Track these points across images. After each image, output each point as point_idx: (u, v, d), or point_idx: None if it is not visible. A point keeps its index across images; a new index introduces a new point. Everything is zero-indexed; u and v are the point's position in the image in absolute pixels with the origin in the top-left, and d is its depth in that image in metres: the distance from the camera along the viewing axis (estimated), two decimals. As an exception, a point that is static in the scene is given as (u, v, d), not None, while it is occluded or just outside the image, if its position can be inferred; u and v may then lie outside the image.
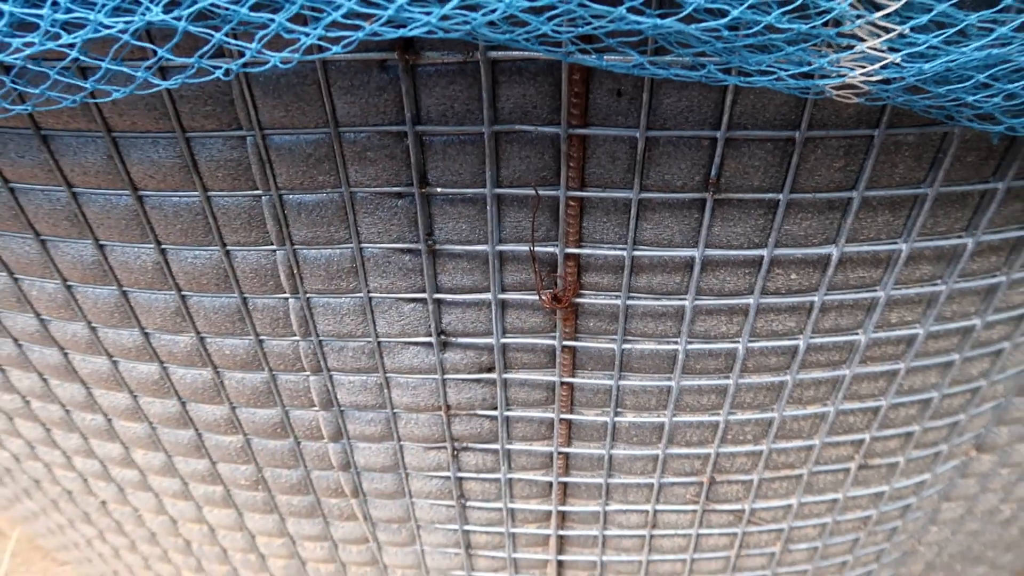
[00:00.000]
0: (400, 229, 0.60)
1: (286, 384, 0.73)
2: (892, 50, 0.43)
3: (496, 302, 0.64)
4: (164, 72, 0.50)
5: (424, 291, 0.64)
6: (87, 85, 0.43)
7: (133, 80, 0.43)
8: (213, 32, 0.40)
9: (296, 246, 0.61)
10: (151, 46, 0.41)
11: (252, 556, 1.00)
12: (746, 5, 0.40)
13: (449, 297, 0.64)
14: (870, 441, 0.79)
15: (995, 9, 0.41)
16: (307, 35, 0.40)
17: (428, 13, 0.38)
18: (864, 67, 0.44)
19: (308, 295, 0.65)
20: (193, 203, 0.58)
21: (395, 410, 0.75)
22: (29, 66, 0.43)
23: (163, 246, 0.62)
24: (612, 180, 0.56)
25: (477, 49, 0.50)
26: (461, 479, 0.83)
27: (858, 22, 0.42)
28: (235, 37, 0.40)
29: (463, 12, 0.39)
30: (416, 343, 0.69)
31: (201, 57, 0.41)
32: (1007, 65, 0.46)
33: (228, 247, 0.61)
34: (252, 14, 0.38)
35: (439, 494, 0.85)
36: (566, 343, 0.67)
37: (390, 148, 0.55)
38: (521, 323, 0.67)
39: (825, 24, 0.42)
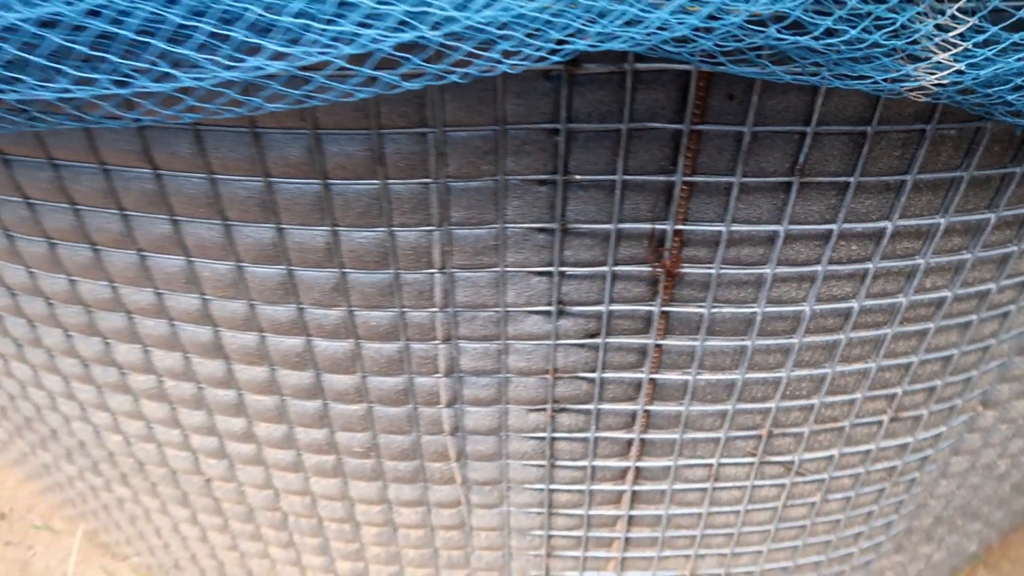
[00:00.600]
0: (539, 211, 0.73)
1: (417, 353, 0.86)
2: (956, 60, 0.58)
3: (610, 274, 0.78)
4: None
5: (551, 265, 0.77)
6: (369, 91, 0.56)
7: (393, 86, 0.56)
8: (459, 44, 0.53)
9: (451, 226, 0.74)
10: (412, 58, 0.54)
11: (347, 525, 1.11)
12: (859, 28, 0.55)
13: (571, 270, 0.78)
14: (901, 395, 0.94)
15: (1029, 30, 0.57)
16: (536, 49, 0.54)
17: (633, 34, 0.52)
18: (935, 73, 0.59)
19: (453, 270, 0.77)
20: (372, 190, 0.71)
21: (508, 374, 0.88)
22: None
23: (337, 228, 0.74)
24: (717, 168, 0.71)
25: (626, 61, 0.64)
26: (554, 439, 0.95)
27: (935, 39, 0.57)
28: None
29: (657, 32, 0.53)
30: (537, 312, 0.81)
31: (451, 64, 0.54)
32: (1036, 72, 0.61)
33: (393, 228, 0.74)
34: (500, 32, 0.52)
35: (532, 455, 0.97)
36: (664, 309, 0.81)
37: (543, 142, 0.68)
38: (626, 293, 0.80)
39: (911, 41, 0.57)
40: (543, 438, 0.95)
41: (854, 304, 0.82)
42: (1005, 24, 0.55)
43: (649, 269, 0.78)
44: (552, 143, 0.68)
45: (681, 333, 0.84)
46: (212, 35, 0.51)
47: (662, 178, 0.71)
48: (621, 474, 1.00)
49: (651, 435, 0.95)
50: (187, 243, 0.77)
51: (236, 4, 0.52)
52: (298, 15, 0.52)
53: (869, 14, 0.56)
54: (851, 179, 0.71)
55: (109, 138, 0.69)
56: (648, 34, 0.54)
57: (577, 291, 0.80)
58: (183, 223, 0.75)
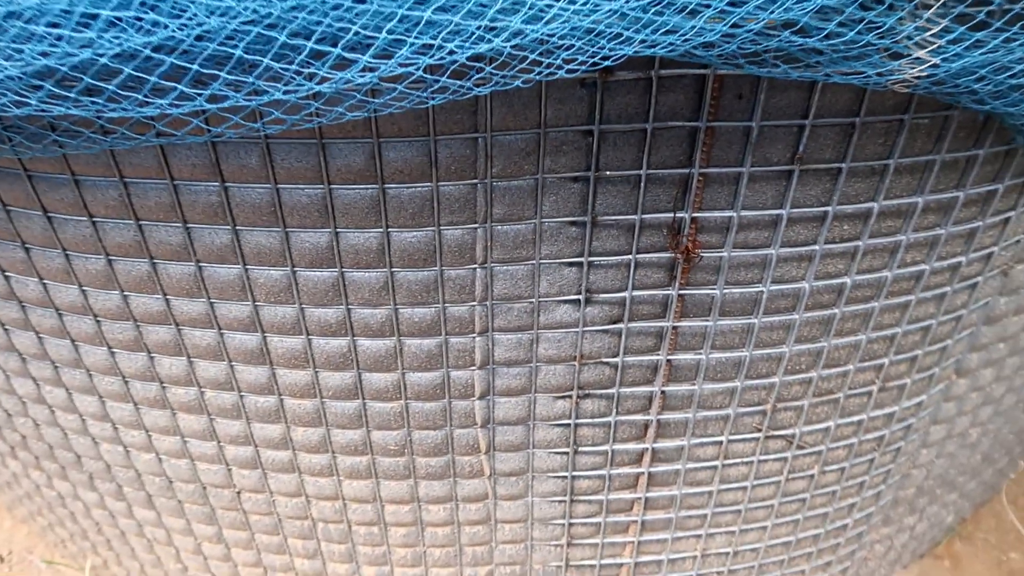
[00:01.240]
0: (572, 206, 0.82)
1: (455, 347, 0.92)
2: (932, 56, 0.70)
3: (633, 261, 0.87)
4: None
5: (582, 255, 0.86)
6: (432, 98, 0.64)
7: (458, 91, 0.64)
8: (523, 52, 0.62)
9: (494, 223, 0.82)
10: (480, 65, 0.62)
11: (376, 528, 1.16)
12: (855, 31, 0.66)
13: (599, 259, 0.86)
14: (887, 365, 1.05)
15: (990, 30, 0.68)
16: (590, 55, 0.63)
17: (672, 44, 0.62)
18: (915, 67, 0.70)
19: (493, 264, 0.85)
20: (425, 192, 0.78)
21: (538, 363, 0.95)
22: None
23: (390, 229, 0.81)
24: (729, 160, 0.80)
25: (652, 68, 0.74)
26: (578, 425, 1.03)
27: (915, 39, 0.68)
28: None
29: (691, 39, 0.63)
30: (567, 301, 0.90)
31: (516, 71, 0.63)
32: (995, 65, 0.73)
33: (441, 227, 0.81)
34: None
35: (557, 442, 1.04)
36: (681, 292, 0.90)
37: (578, 143, 0.77)
38: (647, 279, 0.89)
39: (896, 41, 0.68)
40: (567, 424, 1.02)
41: (847, 280, 0.92)
42: (970, 25, 0.67)
43: (669, 255, 0.87)
44: (586, 143, 0.77)
45: (695, 315, 0.93)
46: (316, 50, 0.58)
47: (681, 171, 0.80)
48: (638, 457, 1.08)
49: (667, 415, 1.03)
50: (245, 251, 0.83)
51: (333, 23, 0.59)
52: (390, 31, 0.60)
53: (863, 19, 0.67)
54: (843, 165, 0.81)
55: (182, 154, 0.75)
56: (684, 39, 0.63)
57: (603, 279, 0.88)
58: (243, 232, 0.81)
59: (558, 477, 1.09)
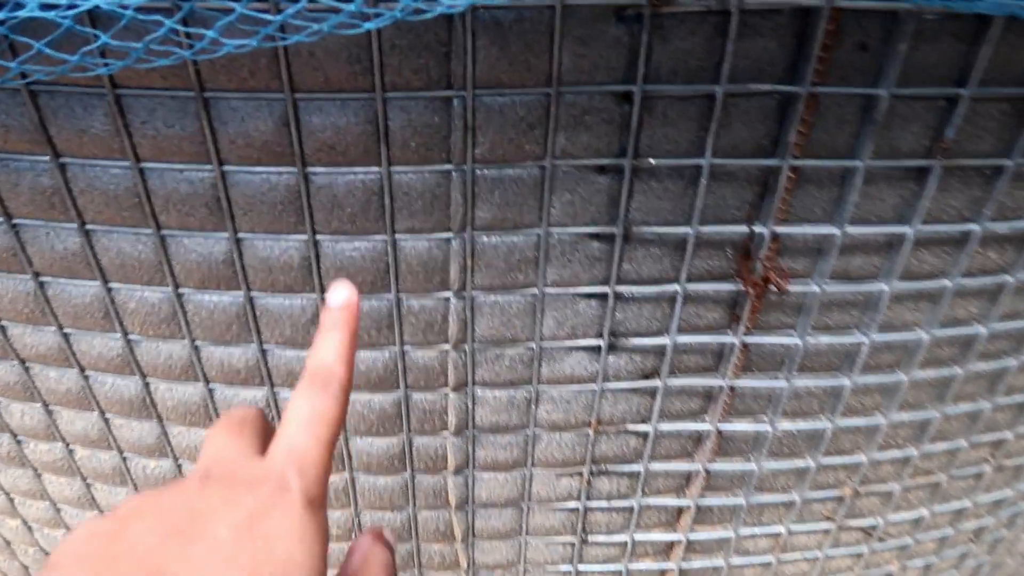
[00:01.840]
0: (595, 210, 0.53)
1: (420, 404, 0.64)
2: None
3: (681, 293, 0.58)
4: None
5: (606, 283, 0.57)
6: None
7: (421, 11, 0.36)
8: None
9: (477, 231, 0.53)
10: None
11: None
12: None
13: (630, 289, 0.58)
14: (1013, 440, 0.76)
15: None
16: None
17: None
18: None
19: (475, 292, 0.57)
20: (371, 180, 0.50)
21: (537, 429, 0.67)
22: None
23: (317, 237, 0.53)
24: (836, 147, 0.52)
25: (733, -7, 0.45)
26: (588, 509, 0.75)
27: None
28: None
29: None
30: (582, 347, 0.61)
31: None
32: None
33: (397, 234, 0.53)
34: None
35: (560, 529, 0.76)
36: (747, 339, 0.62)
37: (609, 111, 0.49)
38: (698, 319, 0.61)
39: None
40: (575, 508, 0.74)
41: (980, 329, 0.63)
42: None
43: (733, 286, 0.58)
44: (621, 113, 0.49)
45: (761, 370, 0.65)
46: None
47: (763, 162, 0.52)
48: (666, 548, 0.80)
49: (710, 499, 0.75)
50: (103, 262, 0.55)
51: None
52: None
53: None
54: (1007, 162, 0.53)
55: None
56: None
57: (635, 317, 0.60)
58: (98, 234, 0.53)
59: (560, 574, 0.80)
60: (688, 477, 0.74)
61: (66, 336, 0.61)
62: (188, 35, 0.43)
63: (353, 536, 0.75)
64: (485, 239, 0.54)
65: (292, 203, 0.51)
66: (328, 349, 0.40)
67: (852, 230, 0.56)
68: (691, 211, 0.54)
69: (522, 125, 0.48)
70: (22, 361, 0.64)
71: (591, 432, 0.67)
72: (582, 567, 0.81)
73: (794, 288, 0.59)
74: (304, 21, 0.38)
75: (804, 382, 0.66)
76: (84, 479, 0.74)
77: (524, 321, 0.59)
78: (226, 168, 0.49)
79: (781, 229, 0.55)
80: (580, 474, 0.71)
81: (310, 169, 0.50)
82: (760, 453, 0.71)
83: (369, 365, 0.61)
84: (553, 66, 0.46)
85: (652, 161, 0.51)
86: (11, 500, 0.79)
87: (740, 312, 0.61)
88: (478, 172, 0.50)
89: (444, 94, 0.47)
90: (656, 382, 0.64)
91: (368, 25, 0.36)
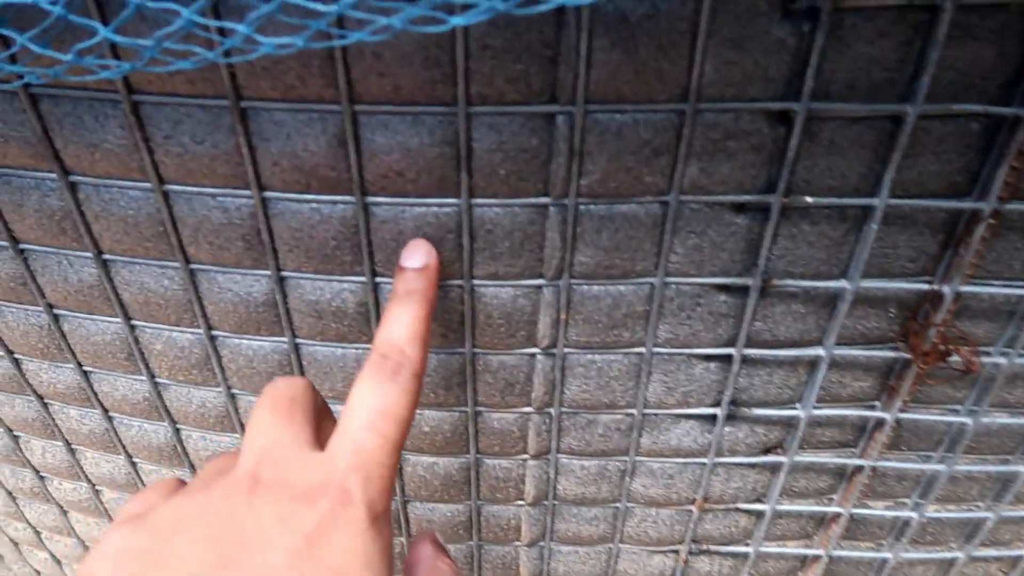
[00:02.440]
0: (727, 257, 0.41)
1: (493, 471, 0.53)
2: None
3: (826, 359, 0.46)
4: None
5: (732, 344, 0.45)
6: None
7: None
8: None
9: (576, 279, 0.42)
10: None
11: None
12: None
13: (761, 353, 0.46)
14: None
15: None
16: None
17: None
18: None
19: (568, 349, 0.45)
20: (447, 215, 0.39)
21: (629, 504, 0.55)
22: None
23: (377, 280, 0.42)
24: (1057, 186, 0.39)
25: (949, -17, 0.32)
26: (682, 590, 0.63)
27: None
28: None
29: None
30: (693, 415, 0.49)
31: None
32: None
33: (476, 280, 0.42)
34: None
35: (646, 609, 0.65)
36: (902, 414, 0.49)
37: (759, 135, 0.37)
38: (840, 388, 0.48)
39: None
40: (666, 588, 0.62)
41: None
42: None
43: (892, 352, 0.46)
44: (774, 137, 0.36)
45: (912, 448, 0.52)
46: None
47: (959, 204, 0.39)
48: (770, 634, 0.67)
49: (829, 587, 0.62)
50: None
51: None
52: None
53: None
54: None
55: None
56: None
57: (763, 385, 0.48)
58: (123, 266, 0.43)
59: (640, 652, 0.69)
60: (804, 560, 0.61)
61: (86, 375, 0.52)
62: (220, 30, 0.32)
63: None
64: (585, 288, 0.43)
65: (348, 239, 0.41)
66: (399, 326, 0.33)
67: (1064, 292, 0.42)
68: (850, 261, 0.42)
69: (645, 151, 0.37)
70: (40, 397, 0.55)
71: (695, 510, 0.55)
72: (668, 648, 0.69)
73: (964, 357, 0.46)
74: (369, 13, 0.27)
75: (967, 466, 0.52)
76: (112, 521, 0.66)
77: (625, 385, 0.48)
78: (268, 195, 0.39)
79: (968, 288, 0.42)
80: (676, 552, 0.60)
81: (371, 199, 0.39)
82: (897, 540, 0.58)
83: (434, 426, 0.51)
84: (692, 76, 0.34)
85: (809, 199, 0.39)
86: (38, 534, 0.71)
87: (896, 383, 0.48)
88: (582, 208, 0.39)
89: (546, 109, 0.35)
90: (780, 457, 0.52)
91: (456, 20, 0.25)
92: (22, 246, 0.45)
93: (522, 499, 0.56)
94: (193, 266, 0.44)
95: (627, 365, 0.47)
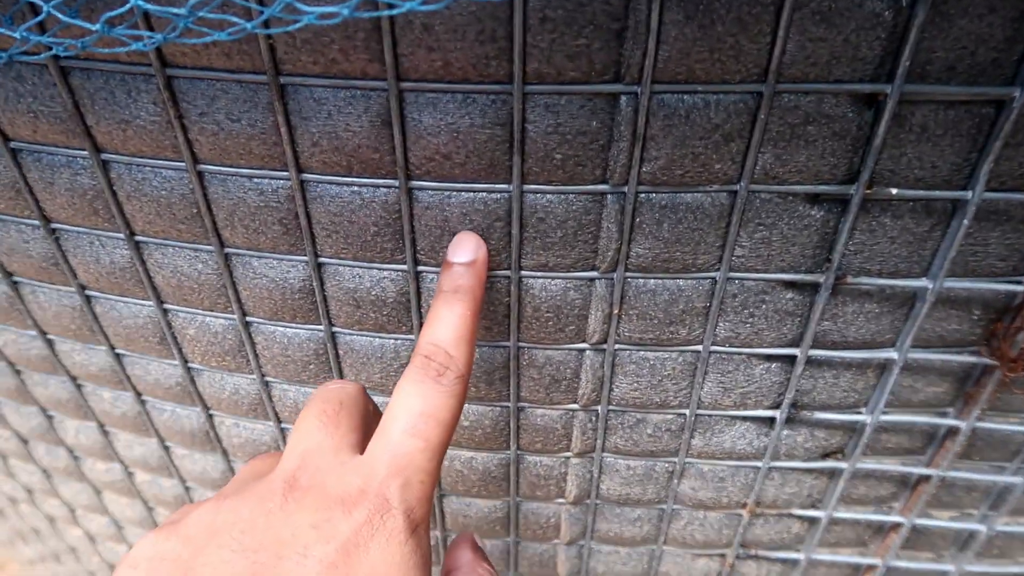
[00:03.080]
0: (798, 252, 0.38)
1: (534, 468, 0.51)
2: None
3: (900, 361, 0.42)
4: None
5: (795, 344, 0.42)
6: None
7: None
8: None
9: (631, 272, 0.39)
10: None
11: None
12: None
13: (827, 354, 0.42)
14: None
15: None
16: None
17: None
18: None
19: (619, 345, 0.42)
20: (496, 201, 0.36)
21: (676, 507, 0.53)
22: None
23: (419, 268, 0.40)
24: None
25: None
26: (727, 594, 0.60)
27: None
28: None
29: None
30: (750, 417, 0.46)
31: None
32: None
33: (525, 271, 0.39)
34: None
35: (688, 611, 0.62)
36: (979, 423, 0.45)
37: (843, 120, 0.33)
38: (912, 393, 0.45)
39: None
40: (710, 591, 0.60)
41: None
42: None
43: (972, 359, 0.42)
44: (859, 123, 0.33)
45: (984, 458, 0.49)
46: None
47: None
48: (817, 641, 0.64)
49: (883, 597, 0.59)
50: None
51: None
52: None
53: None
54: None
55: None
56: None
57: (828, 388, 0.44)
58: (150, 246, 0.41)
59: (679, 653, 0.66)
60: (858, 569, 0.58)
61: (118, 357, 0.50)
62: (258, -2, 0.30)
63: None
64: (640, 282, 0.40)
65: (389, 225, 0.38)
66: (445, 326, 0.32)
67: None
68: (933, 259, 0.38)
69: (715, 136, 0.33)
70: (73, 379, 0.54)
71: (746, 514, 0.53)
72: (708, 650, 0.67)
73: (1064, 368, 0.42)
74: (421, -19, 0.24)
75: (1044, 480, 0.49)
76: (145, 503, 0.65)
77: (679, 384, 0.45)
78: (306, 177, 0.37)
79: (1066, 290, 0.39)
80: (723, 556, 0.57)
81: (415, 183, 0.36)
82: (961, 552, 0.55)
83: (474, 421, 0.48)
84: (773, 54, 0.31)
85: (894, 191, 0.36)
86: (72, 511, 0.71)
87: (975, 390, 0.44)
88: (643, 196, 0.36)
89: (610, 89, 0.32)
90: (841, 464, 0.49)
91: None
92: (54, 225, 0.43)
93: (563, 497, 0.53)
94: (228, 250, 0.41)
95: (682, 364, 0.44)
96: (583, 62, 0.32)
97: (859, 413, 0.46)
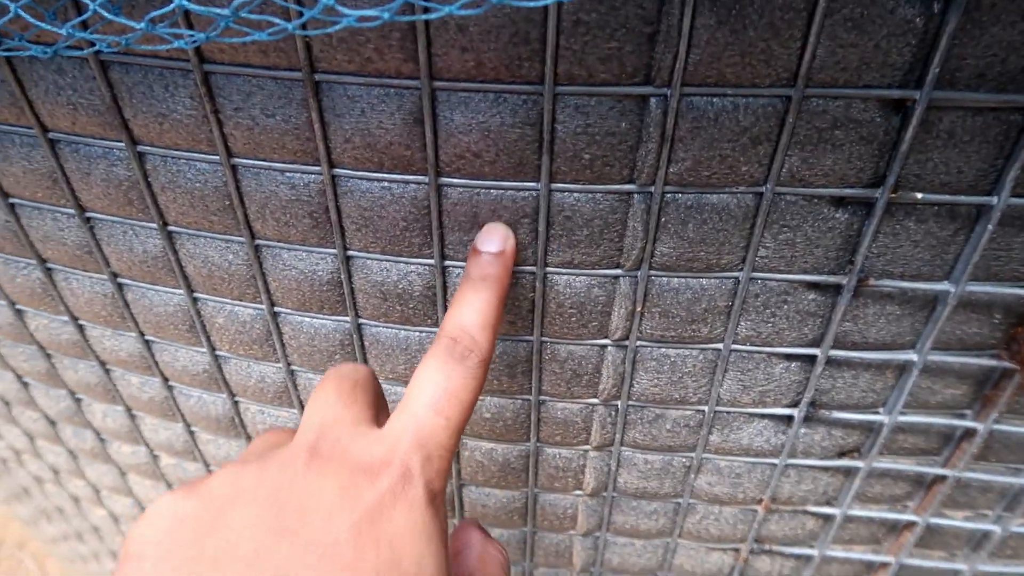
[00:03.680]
0: (821, 254, 0.38)
1: (553, 460, 0.52)
2: None
3: (919, 364, 0.43)
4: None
5: (817, 344, 0.42)
6: None
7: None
8: None
9: (655, 271, 0.39)
10: None
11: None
12: None
13: (846, 355, 0.43)
14: None
15: None
16: None
17: None
18: None
19: (641, 342, 0.43)
20: (524, 200, 0.37)
21: (691, 501, 0.53)
22: None
23: (446, 263, 0.41)
24: None
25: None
26: (739, 587, 0.61)
27: None
28: None
29: None
30: (768, 415, 0.47)
31: None
32: None
33: (550, 268, 0.40)
34: None
35: (700, 603, 0.63)
36: (997, 426, 0.46)
37: (871, 125, 0.34)
38: (930, 395, 0.45)
39: None
40: (723, 584, 0.61)
41: None
42: None
43: (991, 362, 0.42)
44: (887, 128, 0.33)
45: (1000, 460, 0.49)
46: None
47: None
48: (827, 636, 0.65)
49: (894, 594, 0.60)
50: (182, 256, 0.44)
51: None
52: None
53: None
54: None
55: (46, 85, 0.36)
56: None
57: (846, 388, 0.45)
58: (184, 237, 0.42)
59: (691, 644, 0.67)
60: (871, 566, 0.59)
61: (148, 344, 0.51)
62: (299, 0, 0.31)
63: None
64: (664, 280, 0.40)
65: (418, 220, 0.39)
66: (471, 311, 0.33)
67: None
68: (955, 263, 0.39)
69: (743, 139, 0.34)
70: (102, 363, 0.55)
71: (761, 510, 0.53)
72: (719, 642, 0.68)
73: (1085, 373, 0.42)
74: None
75: (1061, 483, 0.49)
76: (169, 485, 0.66)
77: (699, 381, 0.45)
78: (338, 172, 0.37)
79: (1088, 297, 0.39)
80: (736, 550, 0.58)
81: (445, 180, 0.37)
82: (974, 552, 0.55)
83: (496, 413, 0.49)
84: (804, 59, 0.31)
85: (919, 195, 0.36)
86: (97, 492, 0.73)
87: (993, 393, 0.45)
88: (669, 196, 0.36)
89: (640, 91, 0.33)
90: (857, 462, 0.49)
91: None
92: (88, 214, 0.44)
93: (580, 489, 0.54)
94: (258, 242, 0.42)
95: (702, 361, 0.44)
96: (614, 64, 0.32)
97: (877, 413, 0.47)
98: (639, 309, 0.42)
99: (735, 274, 0.40)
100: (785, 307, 0.41)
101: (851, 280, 0.40)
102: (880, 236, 0.38)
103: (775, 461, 0.50)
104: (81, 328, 0.53)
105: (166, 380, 0.54)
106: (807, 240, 0.38)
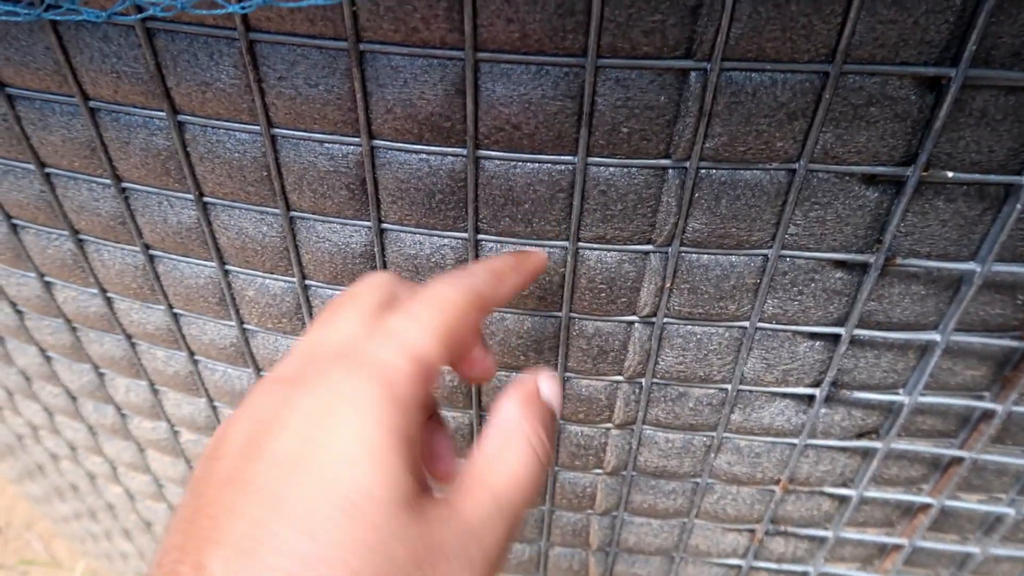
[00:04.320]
0: (850, 232, 0.39)
1: (574, 438, 0.52)
2: None
3: (942, 344, 0.43)
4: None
5: (842, 323, 0.43)
6: None
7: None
8: None
9: (686, 247, 0.40)
10: None
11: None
12: None
13: (872, 334, 0.43)
14: None
15: None
16: None
17: None
18: None
19: (668, 319, 0.44)
20: (560, 173, 0.37)
21: (710, 480, 0.54)
22: None
23: (480, 236, 0.41)
24: None
25: None
26: (752, 568, 0.61)
27: None
28: None
29: None
30: (790, 394, 0.47)
31: None
32: None
33: (583, 242, 0.40)
34: None
35: (713, 585, 0.64)
36: (1015, 408, 0.46)
37: (905, 103, 0.34)
38: (951, 376, 0.46)
39: None
40: (736, 565, 0.61)
41: None
42: None
43: (1014, 343, 0.43)
44: (921, 106, 0.34)
45: (1017, 443, 0.50)
46: None
47: None
48: (838, 620, 0.66)
49: (910, 573, 0.60)
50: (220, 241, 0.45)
51: None
52: None
53: None
54: None
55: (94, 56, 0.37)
56: None
57: (869, 367, 0.45)
58: (221, 208, 0.43)
59: (702, 627, 0.68)
60: (884, 548, 0.59)
61: (176, 317, 0.52)
62: (348, -34, 0.31)
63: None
64: (694, 257, 0.41)
65: (454, 193, 0.39)
66: (501, 263, 0.35)
67: None
68: (982, 243, 0.39)
69: (779, 114, 0.35)
70: (128, 337, 0.56)
71: (778, 490, 0.54)
72: (730, 625, 0.68)
73: (1105, 354, 0.43)
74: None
75: (1076, 466, 0.50)
76: (188, 461, 0.67)
77: (724, 359, 0.46)
78: (377, 143, 0.38)
79: (1111, 278, 0.39)
80: (752, 531, 0.58)
81: (483, 152, 0.37)
82: (987, 535, 0.56)
83: (521, 389, 0.50)
84: (843, 35, 0.32)
85: (950, 174, 0.37)
86: (114, 469, 0.73)
87: (1014, 374, 0.45)
88: (703, 172, 0.37)
89: (681, 65, 0.33)
90: (875, 443, 0.50)
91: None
92: (124, 184, 0.45)
93: (601, 468, 0.55)
94: (293, 213, 0.43)
95: (728, 339, 0.45)
96: (657, 37, 0.33)
97: (897, 394, 0.47)
98: (668, 285, 0.42)
99: (764, 251, 0.41)
100: (812, 285, 0.42)
101: (879, 259, 0.40)
102: (909, 215, 0.39)
103: (795, 441, 0.51)
104: (109, 300, 0.53)
105: (192, 354, 0.55)
106: (837, 218, 0.39)
